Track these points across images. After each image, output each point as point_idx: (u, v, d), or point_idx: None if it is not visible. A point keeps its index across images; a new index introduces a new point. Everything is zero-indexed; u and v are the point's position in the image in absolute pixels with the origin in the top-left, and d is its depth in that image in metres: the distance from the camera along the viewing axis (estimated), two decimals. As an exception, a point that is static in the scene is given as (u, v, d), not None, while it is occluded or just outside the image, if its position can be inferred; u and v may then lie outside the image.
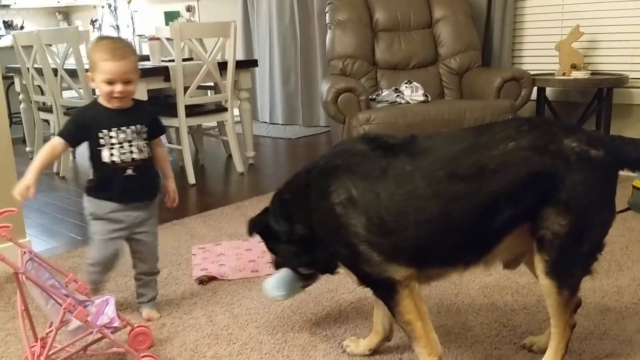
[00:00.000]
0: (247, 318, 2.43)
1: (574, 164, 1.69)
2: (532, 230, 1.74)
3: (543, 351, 2.07)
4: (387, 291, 1.79)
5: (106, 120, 2.26)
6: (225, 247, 3.17)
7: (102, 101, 2.29)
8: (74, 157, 5.35)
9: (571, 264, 1.77)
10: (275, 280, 2.13)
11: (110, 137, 2.26)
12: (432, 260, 1.83)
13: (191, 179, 4.49)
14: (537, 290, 2.50)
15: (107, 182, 2.29)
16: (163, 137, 2.49)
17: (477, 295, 2.51)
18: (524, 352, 2.10)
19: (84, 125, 2.26)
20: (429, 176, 1.73)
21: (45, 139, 5.21)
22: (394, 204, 1.72)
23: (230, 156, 5.09)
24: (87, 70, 2.32)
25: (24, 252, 2.03)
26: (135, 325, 2.21)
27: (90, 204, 2.33)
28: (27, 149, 5.56)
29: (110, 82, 2.20)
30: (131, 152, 2.29)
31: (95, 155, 2.27)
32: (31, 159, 5.20)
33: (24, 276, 1.96)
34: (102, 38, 2.41)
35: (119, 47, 2.22)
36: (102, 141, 2.24)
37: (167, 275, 2.85)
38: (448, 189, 1.71)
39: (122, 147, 2.26)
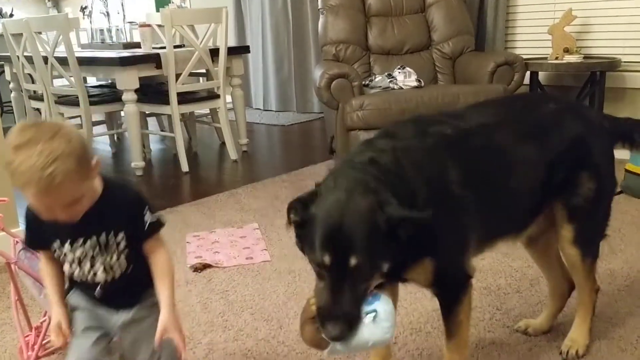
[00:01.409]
0: (242, 305, 2.43)
1: (598, 130, 1.87)
2: (565, 199, 1.82)
3: (538, 333, 2.10)
4: (460, 287, 1.65)
5: (57, 229, 1.55)
6: (219, 235, 3.17)
7: None
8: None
9: (594, 230, 1.91)
10: (383, 313, 1.43)
11: (64, 253, 1.59)
12: (495, 236, 1.82)
13: (184, 166, 4.47)
14: (531, 274, 2.52)
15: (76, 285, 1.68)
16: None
17: (471, 280, 2.53)
18: (517, 335, 2.12)
19: (37, 231, 1.61)
20: (505, 146, 1.72)
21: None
22: (493, 180, 1.68)
23: (223, 144, 5.07)
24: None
25: (17, 242, 2.02)
26: (130, 313, 2.20)
27: (70, 293, 1.70)
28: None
29: (47, 212, 1.48)
30: (94, 273, 1.60)
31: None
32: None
33: (16, 266, 1.95)
34: (19, 146, 1.40)
35: (46, 164, 1.37)
36: (56, 253, 1.61)
37: (161, 263, 2.84)
38: (520, 155, 1.74)
39: (79, 267, 1.60)
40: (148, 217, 1.60)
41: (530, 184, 1.77)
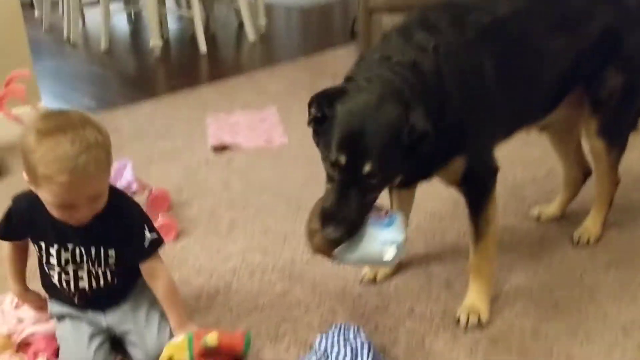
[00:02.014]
0: (261, 185, 2.49)
1: (635, 20, 1.78)
2: (590, 90, 1.80)
3: (551, 220, 2.15)
4: (488, 182, 1.66)
5: (46, 231, 1.50)
6: (238, 117, 3.18)
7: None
8: (84, 24, 5.22)
9: (621, 122, 1.89)
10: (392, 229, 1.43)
11: (49, 254, 1.52)
12: (519, 127, 1.82)
13: (202, 47, 4.40)
14: (548, 163, 2.53)
15: (56, 289, 1.59)
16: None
17: (488, 168, 2.55)
18: (530, 222, 2.17)
19: (18, 226, 1.54)
20: (537, 36, 1.68)
21: (54, 3, 5.08)
22: (524, 72, 1.66)
23: (241, 24, 4.95)
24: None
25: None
26: (154, 189, 2.28)
27: (49, 302, 1.64)
28: (36, 13, 5.42)
29: (65, 208, 1.41)
30: (78, 279, 1.54)
31: (38, 257, 1.57)
32: (41, 23, 5.09)
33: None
34: (48, 131, 1.35)
35: (80, 152, 1.33)
36: (37, 255, 1.55)
37: (182, 143, 2.89)
38: (550, 46, 1.69)
39: (64, 272, 1.53)
40: (148, 235, 1.53)
41: (558, 74, 1.74)
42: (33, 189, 1.42)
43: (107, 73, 4.12)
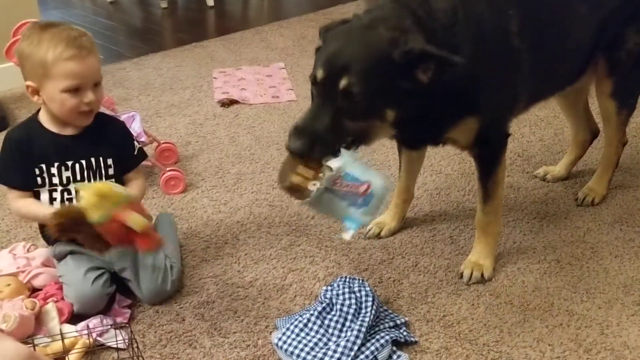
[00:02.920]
0: (268, 140, 2.50)
1: None
2: (608, 52, 1.79)
3: (556, 180, 2.16)
4: (499, 146, 1.66)
5: (47, 151, 1.57)
6: (245, 72, 3.16)
7: (45, 122, 1.60)
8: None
9: (634, 83, 1.89)
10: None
11: (51, 175, 1.58)
12: (542, 96, 1.81)
13: (210, 0, 4.35)
14: (556, 124, 2.53)
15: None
16: None
17: (495, 127, 2.55)
18: (535, 181, 2.18)
19: (20, 158, 1.57)
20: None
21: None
22: (549, 35, 1.62)
23: (249, -22, 4.88)
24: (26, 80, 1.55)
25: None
26: (162, 141, 2.29)
27: (53, 247, 1.69)
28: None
29: (77, 90, 1.52)
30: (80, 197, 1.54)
31: (34, 195, 1.61)
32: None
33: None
34: (47, 25, 1.55)
35: (79, 35, 1.54)
36: (39, 179, 1.59)
37: (189, 97, 2.88)
38: (575, 11, 1.67)
39: (67, 191, 1.60)
40: (136, 146, 1.71)
41: (582, 41, 1.73)
42: (38, 95, 1.54)
43: (114, 25, 4.09)
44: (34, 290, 1.66)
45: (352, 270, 1.77)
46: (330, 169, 1.31)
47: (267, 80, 3.07)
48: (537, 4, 1.60)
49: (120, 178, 1.65)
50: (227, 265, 1.80)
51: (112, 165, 1.63)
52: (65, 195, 1.60)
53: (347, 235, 1.33)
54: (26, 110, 2.69)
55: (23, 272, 1.68)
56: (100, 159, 1.61)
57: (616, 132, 1.96)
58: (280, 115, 2.71)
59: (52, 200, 1.60)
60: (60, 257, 1.65)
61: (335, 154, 1.32)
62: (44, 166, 1.58)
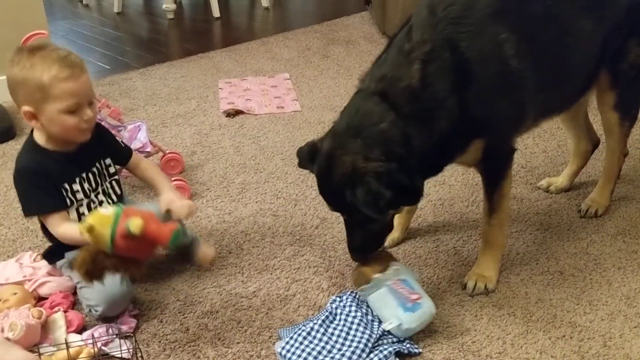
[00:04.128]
0: (273, 150, 2.51)
1: None
2: (611, 65, 1.79)
3: (559, 191, 2.17)
4: (506, 161, 1.69)
5: (64, 170, 1.60)
6: (251, 83, 3.19)
7: (45, 143, 1.60)
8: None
9: (636, 95, 1.90)
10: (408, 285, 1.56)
11: (75, 191, 1.62)
12: (549, 113, 1.82)
13: (215, 11, 4.38)
14: (559, 135, 2.54)
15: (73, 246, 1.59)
16: None
17: (499, 138, 2.55)
18: (539, 192, 2.19)
19: (47, 184, 1.58)
20: (565, 15, 1.66)
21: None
22: (555, 49, 1.63)
23: (255, -11, 4.92)
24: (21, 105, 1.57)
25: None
26: (167, 151, 2.31)
27: (67, 255, 1.67)
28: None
29: (75, 109, 1.54)
30: (99, 202, 1.67)
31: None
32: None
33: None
34: (34, 49, 1.55)
35: (68, 53, 1.56)
36: (67, 200, 1.61)
37: (195, 107, 2.91)
38: (577, 28, 1.68)
39: (92, 201, 1.66)
40: (119, 139, 1.82)
41: (587, 57, 1.74)
42: (36, 119, 1.55)
43: (121, 35, 4.12)
44: (39, 299, 1.67)
45: (355, 280, 1.78)
46: (397, 269, 1.57)
47: (272, 91, 3.09)
48: (534, 22, 1.60)
49: (118, 175, 1.76)
50: (230, 275, 1.81)
51: (111, 164, 1.72)
52: (91, 206, 1.65)
53: (388, 326, 1.51)
54: (33, 119, 2.73)
55: (29, 280, 1.69)
56: (101, 161, 1.69)
57: (618, 144, 1.96)
58: (285, 125, 2.73)
59: (80, 216, 1.62)
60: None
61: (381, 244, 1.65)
62: (67, 185, 1.60)
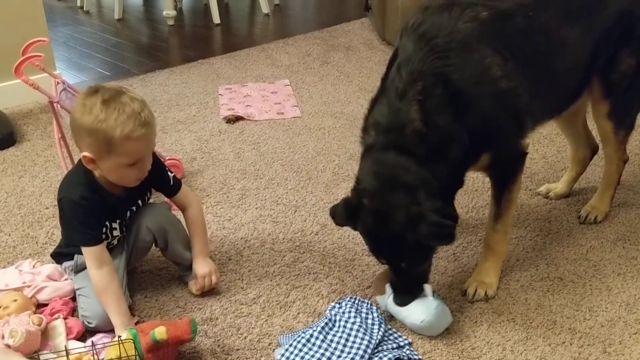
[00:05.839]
0: (273, 156, 2.52)
1: None
2: (603, 74, 1.80)
3: (559, 197, 2.17)
4: (517, 165, 1.71)
5: (113, 209, 1.64)
6: (251, 89, 3.19)
7: (101, 180, 1.60)
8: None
9: (630, 104, 1.90)
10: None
11: (113, 229, 1.66)
12: (546, 114, 1.83)
13: (216, 18, 4.39)
14: (559, 142, 2.54)
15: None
16: None
17: (499, 144, 2.56)
18: (539, 198, 2.19)
19: (94, 220, 1.59)
20: (550, 25, 1.67)
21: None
22: (540, 60, 1.65)
23: (255, -4, 4.93)
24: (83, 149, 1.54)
25: (58, 83, 2.08)
26: (167, 157, 2.31)
27: (74, 260, 1.71)
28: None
29: (136, 163, 1.55)
30: (118, 230, 1.70)
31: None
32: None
33: (59, 105, 2.02)
34: (109, 99, 1.49)
35: (141, 108, 1.51)
36: (103, 236, 1.64)
37: (195, 113, 2.91)
38: (564, 38, 1.68)
39: (123, 233, 1.71)
40: (170, 176, 1.74)
41: (575, 66, 1.75)
42: (96, 164, 1.53)
43: (121, 42, 4.13)
44: (39, 306, 1.67)
45: (355, 287, 1.78)
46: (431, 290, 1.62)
47: (272, 97, 3.10)
48: (517, 37, 1.61)
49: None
50: (230, 282, 1.81)
51: (149, 196, 1.74)
52: (121, 235, 1.70)
53: (417, 323, 1.58)
54: (33, 126, 2.74)
55: (28, 286, 1.69)
56: (145, 197, 1.73)
57: (616, 151, 1.96)
58: (285, 131, 2.74)
59: (109, 246, 1.66)
60: (80, 269, 1.67)
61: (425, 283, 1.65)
62: (108, 223, 1.64)
